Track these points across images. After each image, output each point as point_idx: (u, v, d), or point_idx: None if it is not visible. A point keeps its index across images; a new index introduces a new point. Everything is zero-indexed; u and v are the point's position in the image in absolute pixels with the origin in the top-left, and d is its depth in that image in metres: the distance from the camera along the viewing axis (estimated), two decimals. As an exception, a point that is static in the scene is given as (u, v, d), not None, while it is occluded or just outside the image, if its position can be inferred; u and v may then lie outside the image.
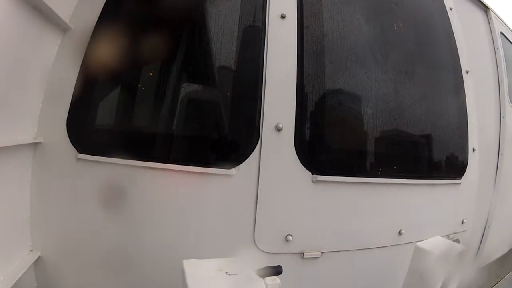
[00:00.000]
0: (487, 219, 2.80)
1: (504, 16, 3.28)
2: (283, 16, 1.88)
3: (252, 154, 1.76)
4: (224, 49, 1.91)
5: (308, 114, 1.90)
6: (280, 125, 1.79)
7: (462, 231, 2.46)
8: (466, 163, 2.45)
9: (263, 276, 1.32)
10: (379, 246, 2.04)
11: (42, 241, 1.73)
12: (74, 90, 1.72)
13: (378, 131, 2.14)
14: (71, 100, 1.72)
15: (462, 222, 2.46)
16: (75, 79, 1.73)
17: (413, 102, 2.25)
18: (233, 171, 1.74)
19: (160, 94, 1.91)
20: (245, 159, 1.76)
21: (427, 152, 2.38)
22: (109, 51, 1.72)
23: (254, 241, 1.77)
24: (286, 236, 1.81)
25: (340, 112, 2.08)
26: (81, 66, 1.74)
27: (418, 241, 1.94)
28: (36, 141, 1.68)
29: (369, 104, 2.08)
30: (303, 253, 1.85)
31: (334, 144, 2.07)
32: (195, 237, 1.74)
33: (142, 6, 1.96)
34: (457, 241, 2.33)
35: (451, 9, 2.56)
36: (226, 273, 1.30)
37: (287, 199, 1.83)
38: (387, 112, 2.17)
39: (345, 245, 1.95)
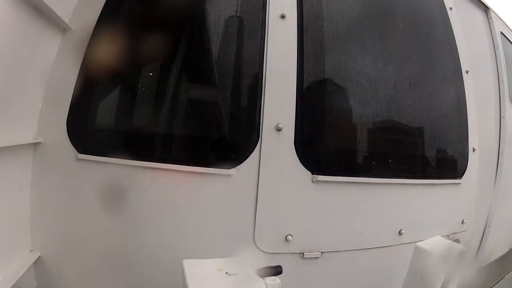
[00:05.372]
0: (487, 219, 2.80)
1: (504, 16, 3.29)
2: (283, 16, 1.88)
3: (252, 154, 1.76)
4: (224, 49, 1.92)
5: (308, 114, 1.89)
6: (280, 125, 1.79)
7: (462, 231, 2.46)
8: (466, 163, 2.45)
9: (263, 276, 1.32)
10: (379, 246, 2.04)
11: (42, 241, 1.73)
12: (74, 90, 1.72)
13: (378, 131, 2.14)
14: (71, 100, 1.72)
15: (462, 222, 2.46)
16: (75, 79, 1.73)
17: (413, 102, 2.25)
18: (233, 171, 1.74)
19: (160, 94, 1.91)
20: (245, 159, 1.76)
21: (427, 152, 2.38)
22: (109, 51, 1.72)
23: (254, 241, 1.77)
24: (286, 236, 1.81)
25: (340, 112, 2.08)
26: (81, 66, 1.74)
27: (418, 241, 1.94)
28: (36, 141, 1.68)
29: (369, 104, 2.08)
30: (303, 253, 1.85)
31: (334, 144, 2.06)
32: (195, 237, 1.74)
33: (142, 6, 1.96)
34: (457, 241, 2.33)
35: (451, 9, 2.56)
36: (226, 273, 1.29)
37: (287, 199, 1.83)
38: (387, 112, 2.17)
39: (345, 245, 1.95)
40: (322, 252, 1.88)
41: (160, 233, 1.73)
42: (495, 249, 3.03)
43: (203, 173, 1.73)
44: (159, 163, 1.71)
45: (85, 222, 1.72)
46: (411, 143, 2.32)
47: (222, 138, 1.92)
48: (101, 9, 1.80)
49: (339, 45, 2.03)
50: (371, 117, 2.08)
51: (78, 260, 1.74)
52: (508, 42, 3.25)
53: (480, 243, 2.82)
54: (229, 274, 1.29)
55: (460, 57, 2.51)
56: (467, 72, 2.52)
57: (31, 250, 1.71)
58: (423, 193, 2.23)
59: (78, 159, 1.69)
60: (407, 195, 2.16)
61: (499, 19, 3.16)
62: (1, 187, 1.48)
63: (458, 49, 2.52)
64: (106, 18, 1.80)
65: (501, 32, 3.11)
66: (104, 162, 1.68)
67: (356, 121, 2.05)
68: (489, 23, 3.03)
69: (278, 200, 1.81)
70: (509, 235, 3.32)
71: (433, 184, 2.28)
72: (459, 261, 1.85)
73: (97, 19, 1.79)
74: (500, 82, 2.93)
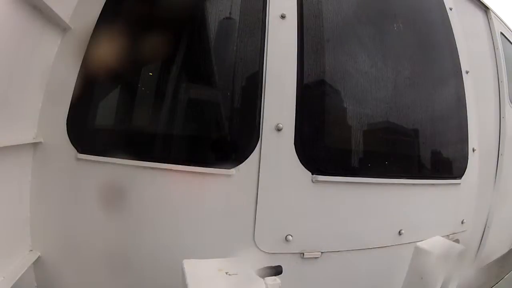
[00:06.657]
0: (487, 219, 2.80)
1: (504, 16, 3.29)
2: (283, 16, 1.88)
3: (252, 154, 1.76)
4: (224, 49, 1.92)
5: (308, 114, 1.89)
6: (280, 125, 1.79)
7: (462, 231, 2.46)
8: (466, 163, 2.45)
9: (263, 276, 1.32)
10: (379, 246, 2.04)
11: (42, 241, 1.72)
12: (74, 90, 1.72)
13: (378, 131, 2.14)
14: (71, 100, 1.72)
15: (462, 222, 2.47)
16: (75, 79, 1.73)
17: (413, 102, 2.25)
18: (233, 171, 1.74)
19: (160, 94, 1.91)
20: (245, 159, 1.76)
21: (427, 152, 2.38)
22: (109, 51, 1.72)
23: (254, 241, 1.77)
24: (286, 236, 1.81)
25: (340, 112, 2.08)
26: (81, 66, 1.74)
27: (418, 241, 1.94)
28: (36, 141, 1.68)
29: (369, 105, 2.08)
30: (303, 253, 1.85)
31: (334, 144, 2.07)
32: (195, 237, 1.74)
33: (142, 6, 1.96)
34: (457, 241, 2.33)
35: (451, 9, 2.57)
36: (226, 273, 1.29)
37: (287, 199, 1.83)
38: (387, 112, 2.17)
39: (345, 245, 1.95)
40: (322, 252, 1.89)
41: (160, 233, 1.73)
42: (495, 249, 3.03)
43: (203, 173, 1.73)
44: (159, 163, 1.71)
45: (85, 222, 1.72)
46: (411, 144, 2.32)
47: (222, 138, 1.92)
48: (101, 9, 1.80)
49: (339, 45, 2.03)
50: (371, 117, 2.08)
51: (78, 260, 1.74)
52: (508, 42, 3.25)
53: (480, 243, 2.82)
54: (229, 274, 1.29)
55: (460, 58, 2.51)
56: (467, 72, 2.53)
57: (31, 250, 1.71)
58: (423, 193, 2.24)
59: (78, 159, 1.69)
60: (407, 195, 2.16)
61: (499, 20, 3.17)
62: (1, 187, 1.47)
63: (458, 50, 2.52)
64: (106, 18, 1.80)
65: (501, 33, 3.12)
66: (104, 162, 1.68)
67: (356, 121, 2.05)
68: (489, 23, 3.03)
69: (278, 200, 1.81)
70: (509, 235, 3.32)
71: (433, 184, 2.29)
72: (459, 261, 1.85)
73: (97, 19, 1.79)
74: (500, 82, 2.93)
